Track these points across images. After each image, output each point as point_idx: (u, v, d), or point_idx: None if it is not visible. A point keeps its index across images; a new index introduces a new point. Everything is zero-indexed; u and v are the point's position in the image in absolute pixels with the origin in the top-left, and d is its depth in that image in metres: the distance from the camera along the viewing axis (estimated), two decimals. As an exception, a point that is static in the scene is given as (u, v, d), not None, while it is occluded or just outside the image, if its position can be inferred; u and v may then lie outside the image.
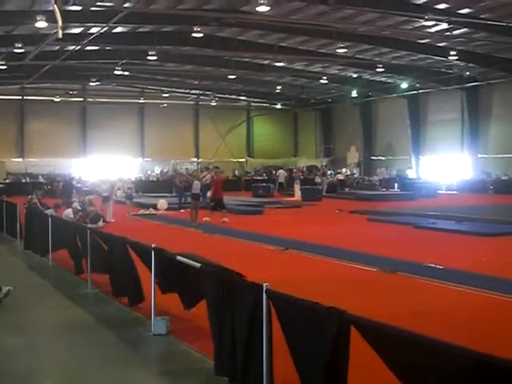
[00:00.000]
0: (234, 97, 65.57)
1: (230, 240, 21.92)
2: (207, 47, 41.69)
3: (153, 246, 10.14)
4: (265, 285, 6.48)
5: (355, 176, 56.93)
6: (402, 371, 4.88)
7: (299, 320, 6.04)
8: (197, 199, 27.34)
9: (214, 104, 65.24)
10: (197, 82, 56.26)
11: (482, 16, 33.74)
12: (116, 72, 46.74)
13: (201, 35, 35.68)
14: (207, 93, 63.40)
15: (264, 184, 50.33)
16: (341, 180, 51.88)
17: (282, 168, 58.85)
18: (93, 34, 35.22)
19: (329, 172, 56.68)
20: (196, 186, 27.33)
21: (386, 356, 5.03)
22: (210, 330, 7.98)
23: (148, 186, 50.57)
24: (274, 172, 58.71)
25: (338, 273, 15.05)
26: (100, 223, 24.27)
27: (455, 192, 47.25)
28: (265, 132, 70.31)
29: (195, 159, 65.89)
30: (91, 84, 55.46)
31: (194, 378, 7.97)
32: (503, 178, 47.16)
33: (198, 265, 8.56)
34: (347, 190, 49.82)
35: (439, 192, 45.36)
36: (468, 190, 46.24)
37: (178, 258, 9.45)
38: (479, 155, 50.63)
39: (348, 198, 42.35)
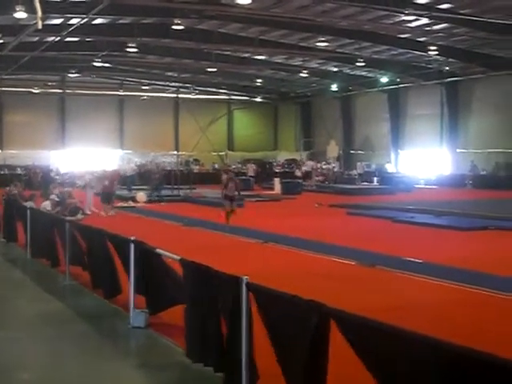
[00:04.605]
0: (214, 90, 65.44)
1: (209, 233, 21.89)
2: (187, 40, 41.53)
3: (132, 238, 10.10)
4: (244, 278, 6.48)
5: (335, 169, 56.79)
6: (377, 364, 4.90)
7: (279, 313, 6.05)
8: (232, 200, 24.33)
9: (194, 97, 65.08)
10: (177, 75, 56.09)
11: (462, 11, 33.86)
12: (96, 64, 46.50)
13: (181, 27, 35.55)
14: (187, 85, 63.19)
15: (244, 177, 50.28)
16: (306, 172, 52.76)
17: (251, 161, 58.30)
18: (73, 25, 35.00)
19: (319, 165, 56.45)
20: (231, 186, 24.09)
21: (360, 349, 5.05)
22: (184, 319, 8.04)
23: (127, 179, 50.16)
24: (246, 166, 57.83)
25: (317, 266, 15.08)
26: (79, 216, 24.18)
27: (434, 186, 47.46)
28: (245, 125, 70.30)
29: (175, 152, 65.64)
30: (71, 75, 55.17)
31: (172, 371, 7.96)
32: (482, 172, 47.45)
33: (178, 257, 8.55)
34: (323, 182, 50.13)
35: (418, 186, 45.55)
36: (447, 184, 46.49)
37: (158, 251, 9.44)
38: (458, 150, 50.85)
39: (327, 192, 42.44)
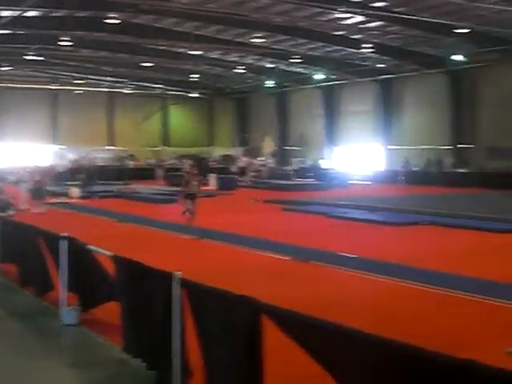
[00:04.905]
0: (150, 85, 64.96)
1: (142, 229, 21.73)
2: (122, 34, 41.10)
3: (64, 234, 9.96)
4: (177, 274, 6.44)
5: (271, 165, 56.84)
6: (313, 356, 4.94)
7: (211, 309, 6.02)
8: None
9: (129, 92, 64.54)
10: (111, 69, 55.51)
11: (397, 9, 34.29)
12: (28, 57, 45.69)
13: (116, 21, 35.17)
14: (122, 80, 62.64)
15: (179, 173, 49.99)
16: (242, 168, 52.94)
17: (186, 157, 57.57)
18: (4, 17, 34.33)
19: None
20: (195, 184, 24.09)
21: (297, 342, 5.08)
22: (120, 315, 7.95)
23: (59, 175, 49.47)
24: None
25: (252, 262, 15.10)
26: (10, 211, 23.73)
27: (368, 182, 47.92)
28: (181, 120, 70.01)
29: (110, 147, 65.05)
30: (2, 69, 54.12)
31: (104, 368, 7.88)
32: (414, 168, 48.17)
33: (109, 253, 8.46)
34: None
35: (352, 182, 45.95)
36: (380, 180, 47.01)
37: (89, 247, 9.33)
38: (391, 146, 51.56)
39: (263, 188, 42.54)
